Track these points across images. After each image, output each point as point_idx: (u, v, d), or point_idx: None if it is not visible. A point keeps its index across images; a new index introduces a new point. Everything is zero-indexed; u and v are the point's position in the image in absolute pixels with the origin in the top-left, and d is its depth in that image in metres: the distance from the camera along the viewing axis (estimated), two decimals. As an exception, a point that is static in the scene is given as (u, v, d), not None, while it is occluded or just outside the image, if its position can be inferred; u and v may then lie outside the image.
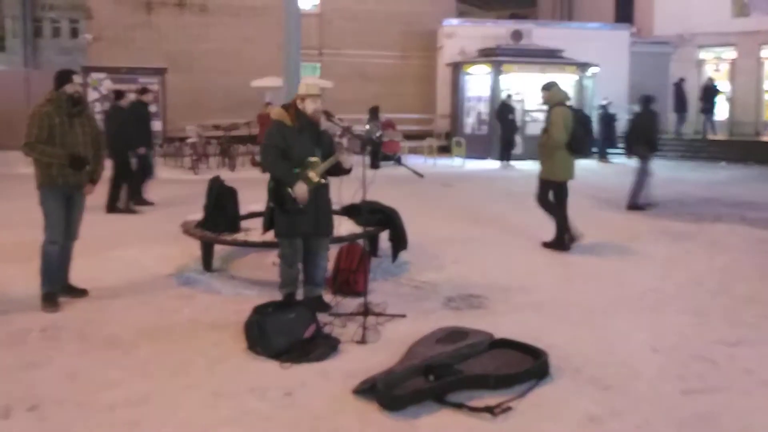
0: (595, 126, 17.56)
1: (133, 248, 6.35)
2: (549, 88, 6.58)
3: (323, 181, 4.30)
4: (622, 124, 17.74)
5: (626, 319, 4.44)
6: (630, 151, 9.57)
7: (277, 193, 4.23)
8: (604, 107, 16.53)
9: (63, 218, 4.69)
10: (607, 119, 16.45)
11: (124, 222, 7.98)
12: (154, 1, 19.59)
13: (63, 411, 3.03)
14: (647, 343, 3.99)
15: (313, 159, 4.25)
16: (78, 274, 4.98)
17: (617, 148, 17.14)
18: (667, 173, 14.29)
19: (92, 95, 16.43)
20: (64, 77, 4.69)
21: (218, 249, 5.75)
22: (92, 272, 5.31)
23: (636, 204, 9.06)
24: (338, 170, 4.33)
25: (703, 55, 19.76)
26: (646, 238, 7.24)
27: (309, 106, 4.28)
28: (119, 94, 9.15)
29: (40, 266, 4.65)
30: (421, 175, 4.60)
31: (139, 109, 9.13)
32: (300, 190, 4.18)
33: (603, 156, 16.54)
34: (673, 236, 7.33)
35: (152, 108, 16.76)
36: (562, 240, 6.52)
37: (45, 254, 4.64)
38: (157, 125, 16.66)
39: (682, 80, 18.09)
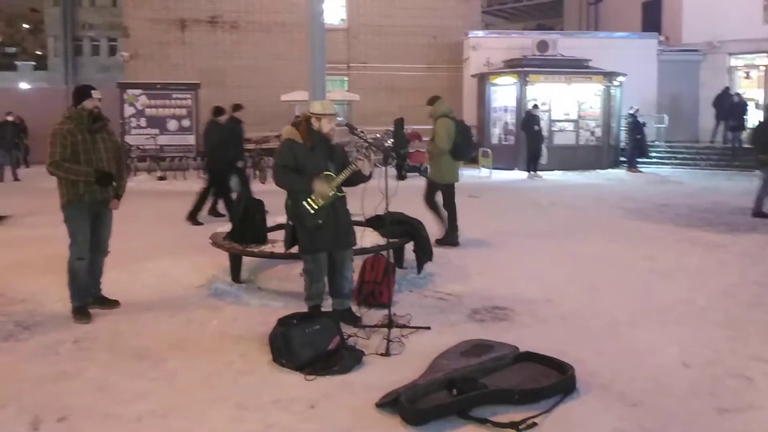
0: (623, 135, 17.41)
1: (164, 260, 6.46)
2: (433, 102, 7.27)
3: (339, 193, 4.33)
4: (650, 133, 17.51)
5: (656, 333, 4.34)
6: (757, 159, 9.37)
7: (295, 210, 4.28)
8: (632, 116, 16.29)
9: (89, 235, 4.73)
10: (636, 128, 16.20)
11: (157, 234, 8.14)
12: (188, 19, 20.09)
13: (91, 422, 3.09)
14: (678, 357, 3.88)
15: (327, 173, 4.27)
16: (110, 286, 5.10)
17: (647, 157, 16.89)
18: (701, 182, 14.01)
19: (128, 111, 16.89)
20: (83, 93, 4.67)
21: (247, 260, 5.81)
22: (124, 284, 5.42)
23: (761, 211, 8.97)
24: (358, 179, 4.35)
25: (734, 62, 19.37)
26: (677, 248, 7.09)
27: (325, 126, 4.32)
28: (219, 111, 9.20)
29: (68, 282, 4.74)
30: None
31: (234, 125, 9.22)
32: (320, 186, 4.19)
33: (632, 165, 16.29)
34: (705, 246, 7.16)
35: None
36: (454, 236, 7.17)
37: (72, 270, 4.70)
38: (190, 139, 17.11)
39: (727, 89, 17.65)
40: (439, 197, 7.31)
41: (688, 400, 3.31)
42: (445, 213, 7.21)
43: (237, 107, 9.44)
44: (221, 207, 9.15)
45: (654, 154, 17.45)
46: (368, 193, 4.35)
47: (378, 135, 14.94)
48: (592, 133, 17.21)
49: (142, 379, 3.58)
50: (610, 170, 16.61)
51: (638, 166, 16.34)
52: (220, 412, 3.17)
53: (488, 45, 18.97)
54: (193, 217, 8.81)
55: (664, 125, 18.35)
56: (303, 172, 4.26)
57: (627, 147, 16.87)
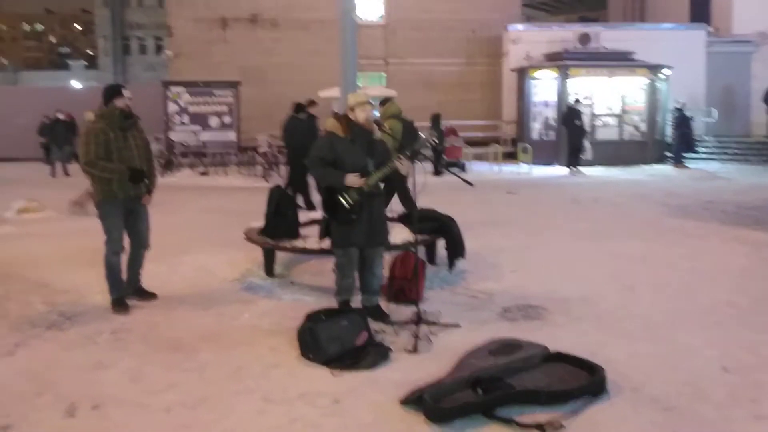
0: (669, 130, 16.84)
1: (202, 254, 6.60)
2: (383, 103, 7.84)
3: (375, 191, 4.32)
4: (698, 127, 16.90)
5: (694, 335, 4.19)
6: None
7: (329, 203, 4.30)
8: (679, 110, 15.75)
9: (123, 231, 4.87)
10: (682, 122, 15.65)
11: (198, 228, 8.33)
12: (229, 18, 20.45)
13: (123, 411, 3.19)
14: (717, 361, 3.73)
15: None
16: (150, 278, 5.24)
17: (694, 152, 16.30)
18: (751, 179, 13.44)
19: (172, 108, 17.34)
20: (113, 92, 4.73)
21: (281, 255, 5.88)
22: (163, 277, 5.57)
23: None
24: (394, 177, 4.33)
25: (789, 53, 18.49)
26: (721, 247, 6.82)
27: (360, 115, 4.31)
28: (299, 107, 9.26)
29: (105, 276, 4.90)
30: (471, 184, 4.54)
31: (311, 121, 9.33)
32: (353, 179, 4.20)
33: (678, 161, 15.76)
34: (751, 246, 6.86)
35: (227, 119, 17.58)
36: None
37: (110, 265, 4.86)
38: (231, 135, 17.45)
39: None
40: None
41: (726, 407, 3.18)
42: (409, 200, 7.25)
43: (311, 103, 9.46)
44: (300, 201, 9.22)
45: (702, 149, 16.83)
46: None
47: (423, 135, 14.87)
48: (637, 127, 16.72)
49: (173, 371, 3.67)
50: (655, 166, 16.11)
51: (685, 161, 15.79)
52: (246, 405, 3.22)
53: (528, 38, 18.64)
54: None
55: (712, 119, 17.66)
56: (342, 165, 4.26)
57: (673, 142, 16.32)
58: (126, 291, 5.01)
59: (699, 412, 3.12)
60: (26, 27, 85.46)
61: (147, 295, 5.10)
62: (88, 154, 4.60)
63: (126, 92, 4.78)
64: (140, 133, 4.91)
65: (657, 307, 4.79)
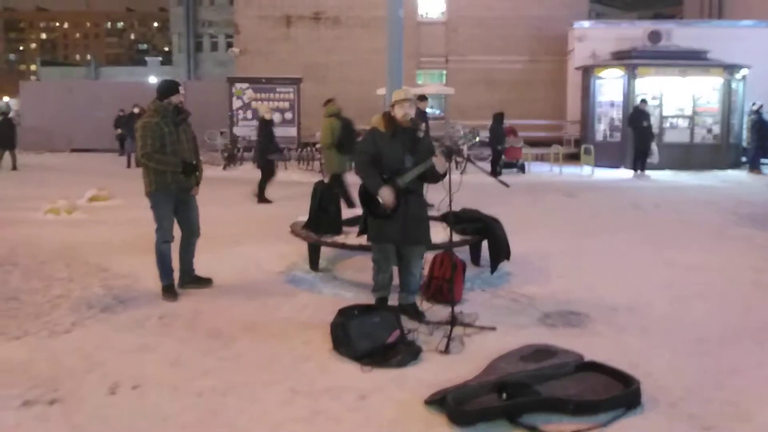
0: (745, 133, 15.87)
1: (252, 246, 6.80)
2: (326, 104, 8.66)
3: (410, 188, 4.31)
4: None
5: (746, 352, 3.94)
6: None
7: (366, 197, 4.33)
8: (756, 112, 14.82)
9: (173, 220, 5.12)
10: (761, 126, 14.72)
11: (252, 220, 8.58)
12: (293, 16, 20.89)
13: (160, 393, 3.34)
14: (767, 381, 3.50)
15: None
16: (200, 268, 5.45)
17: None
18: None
19: (236, 104, 17.90)
20: (171, 89, 4.97)
21: (326, 250, 5.97)
22: (214, 266, 5.76)
23: None
24: (434, 176, 4.31)
25: None
26: (791, 261, 6.38)
27: (398, 112, 4.35)
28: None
29: (156, 263, 5.13)
30: (507, 185, 4.45)
31: (421, 116, 9.30)
32: (386, 194, 4.23)
33: (754, 166, 14.84)
34: (825, 261, 6.39)
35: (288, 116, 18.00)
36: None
37: (160, 253, 5.09)
38: (291, 131, 17.83)
39: None
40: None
41: (771, 430, 2.99)
42: (353, 196, 7.73)
43: (422, 98, 9.38)
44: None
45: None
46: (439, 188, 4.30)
47: (462, 132, 14.71)
48: (709, 130, 15.87)
49: (211, 357, 3.80)
50: (729, 171, 15.23)
51: (762, 167, 14.86)
52: (273, 395, 3.30)
53: (595, 36, 18.05)
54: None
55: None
56: (381, 160, 4.30)
57: (749, 146, 15.38)
58: (184, 280, 5.25)
59: (740, 433, 2.95)
60: (108, 24, 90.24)
61: (203, 282, 5.33)
62: (146, 146, 4.85)
63: (181, 89, 5.07)
64: (189, 128, 5.15)
65: (709, 321, 4.54)
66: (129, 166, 16.29)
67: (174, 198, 5.05)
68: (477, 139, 14.28)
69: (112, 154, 19.35)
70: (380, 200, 4.25)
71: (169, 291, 5.08)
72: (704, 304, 4.94)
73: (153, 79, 37.50)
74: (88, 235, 7.52)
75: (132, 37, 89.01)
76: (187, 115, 5.07)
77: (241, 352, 3.90)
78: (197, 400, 3.25)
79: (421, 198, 4.44)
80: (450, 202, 4.17)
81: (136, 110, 16.95)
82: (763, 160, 15.00)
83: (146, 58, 55.08)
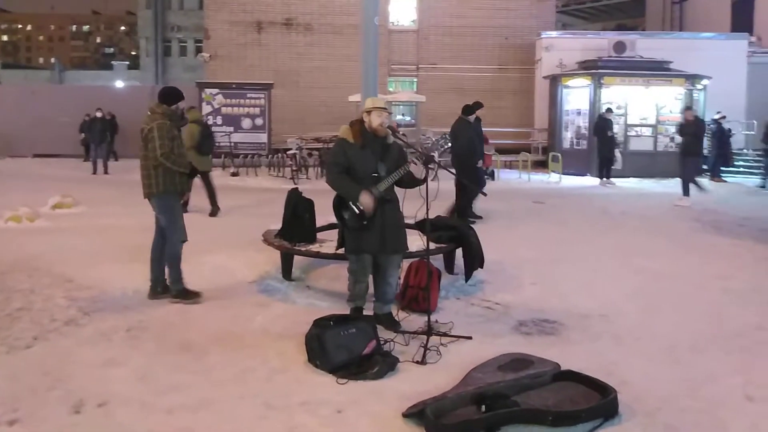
0: (707, 142, 16.32)
1: (223, 254, 6.65)
2: (188, 111, 9.19)
3: (387, 197, 4.28)
4: (738, 140, 16.39)
5: (718, 359, 4.01)
6: None
7: (340, 209, 4.28)
8: (717, 122, 15.28)
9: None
10: (721, 135, 15.17)
11: (222, 228, 8.42)
12: (264, 21, 20.73)
13: (127, 410, 3.21)
14: (740, 389, 3.55)
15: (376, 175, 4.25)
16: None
17: (732, 166, 15.81)
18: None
19: (206, 109, 17.63)
20: (180, 95, 5.18)
21: (299, 259, 5.88)
22: (183, 276, 5.62)
23: None
24: (412, 182, 4.29)
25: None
26: (755, 267, 6.55)
27: (374, 120, 4.30)
28: (470, 109, 9.08)
29: (173, 266, 5.10)
30: (484, 194, 4.47)
31: (477, 124, 9.29)
32: (366, 200, 4.19)
33: (715, 175, 15.28)
34: (788, 267, 6.58)
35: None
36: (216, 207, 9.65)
37: (177, 254, 5.13)
38: (262, 137, 17.65)
39: None
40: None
41: (746, 438, 3.03)
42: (212, 189, 9.58)
43: (478, 105, 9.34)
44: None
45: (740, 163, 16.29)
46: (413, 196, 4.28)
47: (434, 139, 14.78)
48: (672, 139, 16.28)
49: (181, 372, 3.69)
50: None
51: (722, 175, 15.30)
52: (247, 410, 3.21)
53: (562, 46, 18.39)
54: (464, 216, 8.81)
55: (752, 132, 17.09)
56: (353, 171, 4.26)
57: (710, 155, 15.83)
58: (156, 290, 5.17)
59: (715, 441, 2.98)
60: (74, 27, 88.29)
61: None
62: (164, 146, 4.93)
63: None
64: (181, 134, 5.32)
65: (680, 328, 4.61)
66: (95, 172, 15.88)
67: (177, 200, 5.14)
68: (448, 145, 14.40)
69: (77, 159, 18.86)
70: (360, 207, 4.20)
71: (190, 293, 5.10)
72: (674, 312, 5.02)
73: (119, 84, 36.75)
74: (51, 244, 7.26)
75: (98, 40, 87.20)
76: (186, 122, 5.21)
77: (213, 366, 3.79)
78: (167, 417, 3.14)
79: (397, 205, 4.41)
80: (427, 210, 4.14)
81: (98, 114, 16.58)
82: (723, 168, 15.44)
83: (113, 62, 53.94)
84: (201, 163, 9.14)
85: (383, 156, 4.33)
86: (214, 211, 9.60)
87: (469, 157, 8.85)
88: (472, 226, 5.73)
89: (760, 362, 3.97)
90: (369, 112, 4.33)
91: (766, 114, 17.52)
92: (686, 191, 11.32)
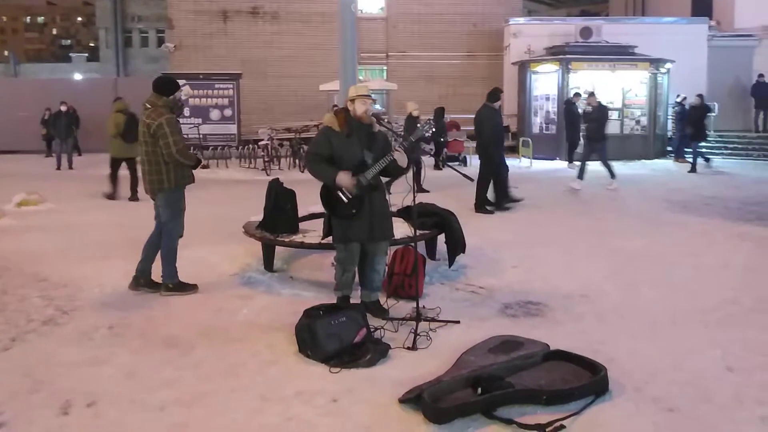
0: (671, 124, 16.74)
1: (201, 248, 6.53)
2: (115, 101, 10.52)
3: (374, 184, 4.26)
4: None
5: (698, 333, 4.13)
6: None
7: (328, 198, 4.24)
8: (680, 104, 15.66)
9: None
10: (684, 116, 15.56)
11: (197, 221, 8.21)
12: (230, 10, 20.34)
13: (117, 408, 3.14)
14: (721, 361, 3.67)
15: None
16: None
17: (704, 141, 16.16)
18: (753, 173, 13.38)
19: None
20: (176, 85, 5.07)
21: (280, 250, 5.83)
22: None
23: None
24: (396, 171, 4.28)
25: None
26: (724, 244, 6.77)
27: (359, 108, 4.27)
28: (495, 96, 8.86)
29: (168, 261, 5.01)
30: (471, 179, 4.49)
31: (500, 112, 9.20)
32: (343, 178, 4.17)
33: (679, 155, 15.69)
34: (754, 242, 6.81)
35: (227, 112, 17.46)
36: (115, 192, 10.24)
37: (174, 249, 5.04)
38: (231, 128, 17.35)
39: (761, 76, 17.02)
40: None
41: (730, 408, 3.12)
42: (135, 177, 9.84)
43: (501, 91, 9.32)
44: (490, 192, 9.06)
45: (703, 144, 16.72)
46: (396, 183, 4.28)
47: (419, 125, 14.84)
48: (638, 122, 16.64)
49: (169, 367, 3.62)
50: (656, 161, 16.02)
51: (686, 156, 15.71)
52: (242, 403, 3.18)
53: (529, 32, 18.54)
54: (481, 206, 8.78)
55: (714, 114, 17.57)
56: (339, 161, 4.22)
57: (674, 136, 16.24)
58: (139, 281, 5.10)
59: (703, 413, 3.07)
60: (27, 19, 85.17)
61: (157, 286, 5.13)
62: (179, 143, 4.85)
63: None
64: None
65: (659, 305, 4.74)
66: (59, 167, 15.41)
67: (184, 194, 5.09)
68: (433, 130, 14.45)
69: (38, 155, 18.28)
70: (349, 195, 4.17)
71: (186, 286, 5.06)
72: (652, 290, 5.15)
73: (78, 76, 35.64)
74: (19, 242, 7.04)
75: (54, 32, 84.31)
76: (183, 111, 5.18)
77: (201, 360, 3.73)
78: (160, 413, 3.08)
79: (384, 194, 4.40)
80: (414, 196, 4.14)
81: (63, 108, 16.07)
82: (686, 149, 15.84)
83: (71, 54, 52.23)
84: (126, 151, 9.95)
85: (369, 144, 4.30)
86: (134, 198, 10.01)
87: (498, 145, 8.83)
88: (452, 211, 5.75)
89: (735, 335, 4.11)
90: (353, 100, 4.29)
91: (727, 96, 18.09)
92: (611, 174, 11.00)
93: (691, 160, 14.10)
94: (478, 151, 9.16)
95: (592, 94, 12.15)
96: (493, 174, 8.76)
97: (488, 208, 8.76)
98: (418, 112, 11.39)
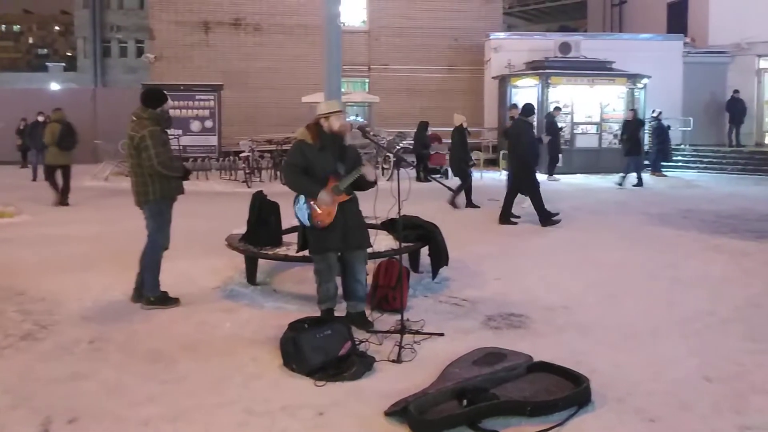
0: (647, 138, 17.07)
1: (183, 261, 6.45)
2: (54, 112, 11.33)
3: (347, 195, 4.33)
4: (676, 136, 17.20)
5: (677, 344, 4.22)
6: None
7: (302, 210, 4.29)
8: (656, 119, 16.02)
9: None
10: (661, 131, 15.92)
11: (178, 234, 8.13)
12: (211, 21, 20.31)
13: (100, 425, 3.09)
14: (699, 371, 3.75)
15: (334, 186, 4.31)
16: (129, 286, 5.19)
17: (671, 160, 16.59)
18: (727, 187, 13.69)
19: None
20: (164, 96, 5.02)
21: (263, 263, 5.81)
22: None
23: None
24: (363, 184, 4.35)
25: (763, 64, 18.94)
26: (701, 256, 6.91)
27: (335, 123, 4.36)
28: (530, 110, 9.07)
29: (147, 273, 4.98)
30: (454, 191, 4.55)
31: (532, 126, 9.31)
32: (324, 198, 4.23)
33: (656, 169, 16.00)
34: (730, 254, 6.97)
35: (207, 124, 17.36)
36: (66, 198, 10.85)
37: (157, 261, 5.02)
38: (212, 140, 17.26)
39: (736, 92, 17.53)
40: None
41: (709, 417, 3.19)
42: (68, 184, 10.83)
43: (532, 106, 9.45)
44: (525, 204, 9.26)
45: (679, 158, 17.12)
46: (382, 195, 4.31)
47: (390, 138, 14.96)
48: (615, 136, 16.94)
49: (152, 382, 3.58)
50: (633, 174, 16.28)
51: (662, 170, 16.04)
52: (227, 418, 3.15)
53: (510, 47, 18.82)
54: (506, 218, 8.95)
55: (689, 128, 18.00)
56: (312, 172, 4.29)
57: (651, 150, 16.57)
58: (140, 292, 5.08)
59: (683, 422, 3.13)
60: (3, 27, 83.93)
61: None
62: (161, 154, 4.81)
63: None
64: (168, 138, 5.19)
65: (638, 316, 4.82)
66: (35, 179, 15.16)
67: (170, 206, 5.04)
68: (403, 143, 14.57)
69: (13, 166, 17.97)
70: (319, 203, 4.23)
71: (167, 299, 5.01)
72: (631, 301, 5.24)
73: (55, 86, 35.16)
74: (-5, 255, 6.92)
75: (30, 41, 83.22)
76: (170, 124, 5.12)
77: (185, 374, 3.70)
78: (144, 429, 3.04)
79: (357, 204, 4.46)
80: (399, 209, 4.18)
81: (40, 118, 15.84)
82: (663, 163, 16.17)
83: (47, 64, 51.57)
84: (62, 158, 10.77)
85: (341, 156, 4.39)
86: (63, 202, 10.73)
87: (534, 159, 9.01)
88: (436, 224, 5.79)
89: (713, 345, 4.20)
90: (327, 117, 4.36)
91: (702, 111, 18.52)
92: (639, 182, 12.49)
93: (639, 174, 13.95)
94: (513, 164, 9.23)
95: (633, 110, 13.22)
96: (533, 186, 8.84)
97: (513, 219, 8.99)
98: (467, 123, 11.35)
